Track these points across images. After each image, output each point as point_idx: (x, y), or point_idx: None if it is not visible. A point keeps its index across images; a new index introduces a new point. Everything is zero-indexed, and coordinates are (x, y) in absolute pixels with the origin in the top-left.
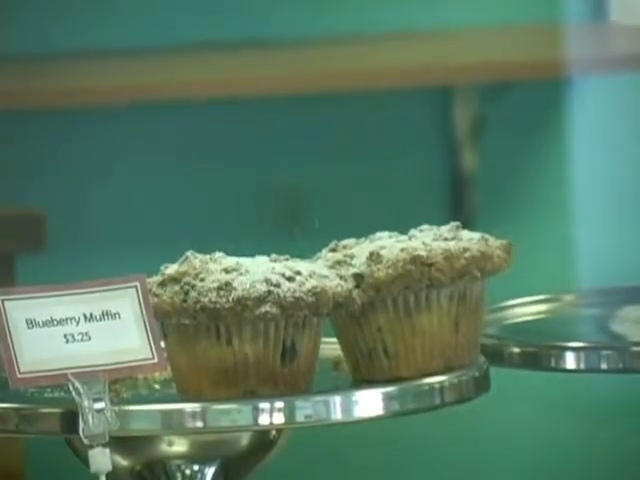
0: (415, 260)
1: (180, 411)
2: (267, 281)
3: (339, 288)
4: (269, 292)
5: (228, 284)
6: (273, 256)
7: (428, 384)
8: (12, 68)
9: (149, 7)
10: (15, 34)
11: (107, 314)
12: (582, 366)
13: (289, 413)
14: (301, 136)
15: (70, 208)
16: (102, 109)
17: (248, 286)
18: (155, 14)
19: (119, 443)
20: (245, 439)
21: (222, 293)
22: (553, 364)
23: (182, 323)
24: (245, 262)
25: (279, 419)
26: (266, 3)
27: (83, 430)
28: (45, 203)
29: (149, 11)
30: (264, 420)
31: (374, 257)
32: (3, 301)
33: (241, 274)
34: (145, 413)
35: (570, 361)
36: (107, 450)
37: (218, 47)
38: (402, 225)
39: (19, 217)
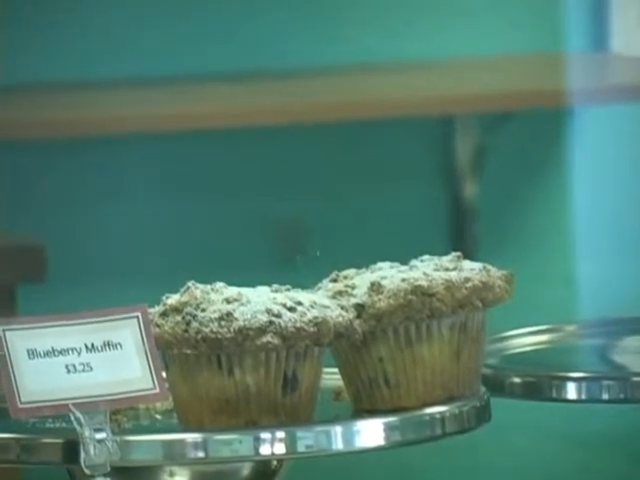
0: (416, 290)
1: (181, 441)
2: (268, 311)
3: (340, 318)
4: (270, 322)
5: (229, 314)
6: (274, 286)
7: (429, 414)
8: (10, 98)
9: (149, 38)
10: (14, 65)
11: (108, 344)
12: (583, 396)
13: (290, 443)
14: (302, 166)
15: (71, 238)
16: (102, 139)
17: (249, 316)
18: (154, 45)
19: (120, 473)
20: (246, 469)
21: (223, 323)
22: (554, 394)
23: (183, 353)
24: (246, 292)
25: (280, 449)
26: (270, 34)
27: (84, 460)
28: (46, 234)
29: (149, 42)
30: (265, 450)
31: (375, 287)
32: (4, 331)
33: (242, 304)
34: (146, 443)
35: (571, 391)
36: None
37: (220, 78)
38: (403, 255)
39: (19, 248)
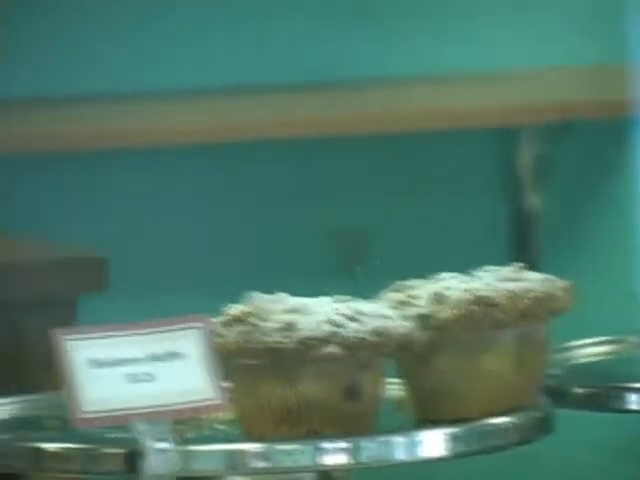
0: (479, 301)
1: (243, 451)
2: (331, 322)
3: (402, 329)
4: (333, 333)
5: (292, 325)
6: (336, 297)
7: (491, 425)
8: (68, 108)
9: (207, 48)
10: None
11: (171, 354)
12: None
13: (352, 453)
14: (365, 176)
15: (132, 249)
16: (161, 150)
17: (312, 327)
18: (224, 54)
19: None
20: (308, 479)
21: (286, 334)
22: (617, 405)
23: (246, 363)
24: (309, 303)
25: (342, 459)
26: (337, 45)
27: (147, 470)
28: (107, 245)
29: (206, 52)
30: (327, 460)
31: (438, 297)
32: (67, 341)
33: (305, 315)
34: (208, 453)
35: (634, 402)
36: None
37: (288, 88)
38: (465, 266)
39: (81, 260)
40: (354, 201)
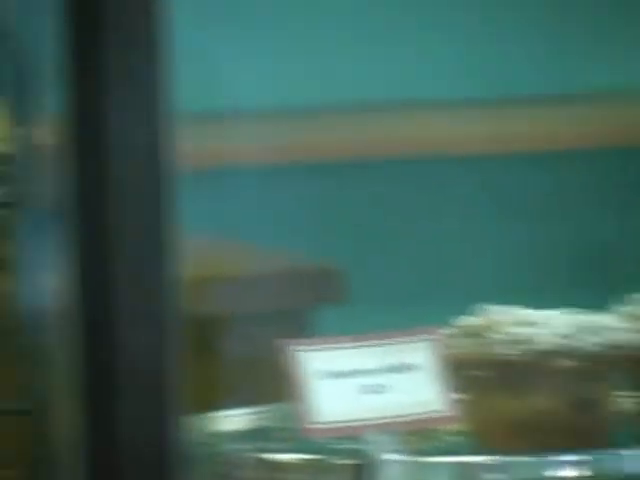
0: None
1: (475, 464)
2: (564, 335)
3: (636, 342)
4: (566, 346)
5: (524, 337)
6: (569, 309)
7: None
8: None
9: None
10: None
11: (402, 366)
12: None
13: (585, 466)
14: (604, 188)
15: (367, 260)
16: (393, 160)
17: (545, 339)
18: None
19: None
20: None
21: (518, 346)
22: None
23: (477, 375)
24: (540, 315)
25: (574, 472)
26: (566, 57)
27: None
28: (344, 257)
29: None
30: (559, 473)
31: None
32: (298, 352)
33: (537, 327)
34: (440, 465)
35: None
36: None
37: (531, 102)
38: None
39: (319, 271)
40: (590, 214)
